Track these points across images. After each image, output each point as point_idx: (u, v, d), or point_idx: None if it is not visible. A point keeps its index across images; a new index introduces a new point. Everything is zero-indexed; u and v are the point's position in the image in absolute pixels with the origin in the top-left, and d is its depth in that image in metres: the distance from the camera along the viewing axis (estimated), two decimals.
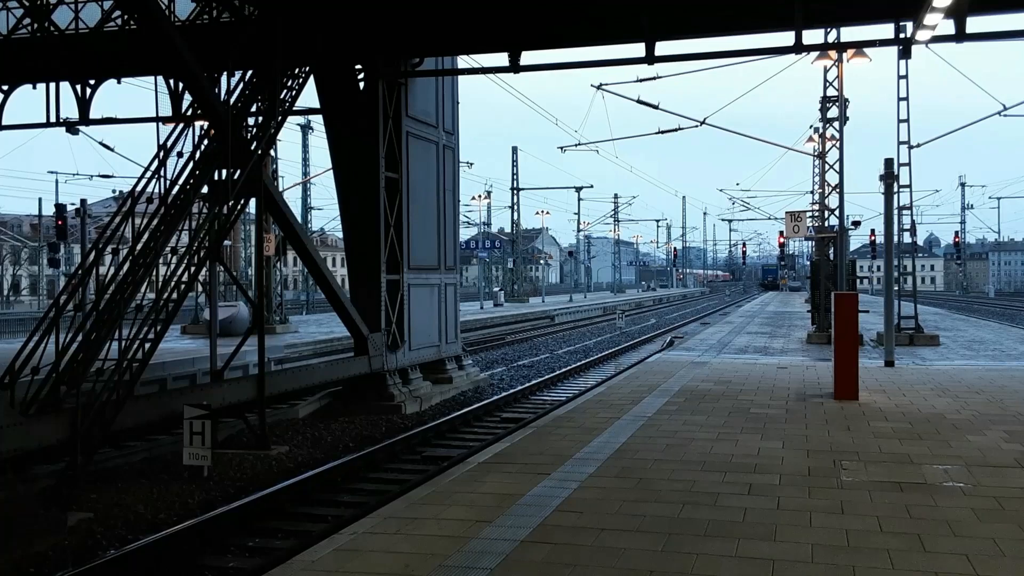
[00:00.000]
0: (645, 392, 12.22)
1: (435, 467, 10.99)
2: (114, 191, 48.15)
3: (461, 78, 19.82)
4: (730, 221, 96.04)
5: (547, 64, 15.97)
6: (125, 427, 10.86)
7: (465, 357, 20.23)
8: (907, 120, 20.45)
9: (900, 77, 20.46)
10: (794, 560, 5.16)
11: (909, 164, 20.43)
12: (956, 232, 70.29)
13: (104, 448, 10.87)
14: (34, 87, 17.21)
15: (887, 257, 16.66)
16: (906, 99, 20.50)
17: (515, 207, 62.59)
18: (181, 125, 12.14)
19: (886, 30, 14.41)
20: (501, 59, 15.35)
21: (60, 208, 32.19)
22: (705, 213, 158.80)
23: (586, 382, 20.15)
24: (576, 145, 32.68)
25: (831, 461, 7.75)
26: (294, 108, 14.44)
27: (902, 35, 14.19)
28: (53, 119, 17.31)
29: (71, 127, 17.39)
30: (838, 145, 22.50)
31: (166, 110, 16.14)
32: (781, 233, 51.79)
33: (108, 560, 7.60)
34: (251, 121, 13.15)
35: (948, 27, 13.18)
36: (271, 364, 17.03)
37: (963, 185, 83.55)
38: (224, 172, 12.08)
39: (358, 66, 16.19)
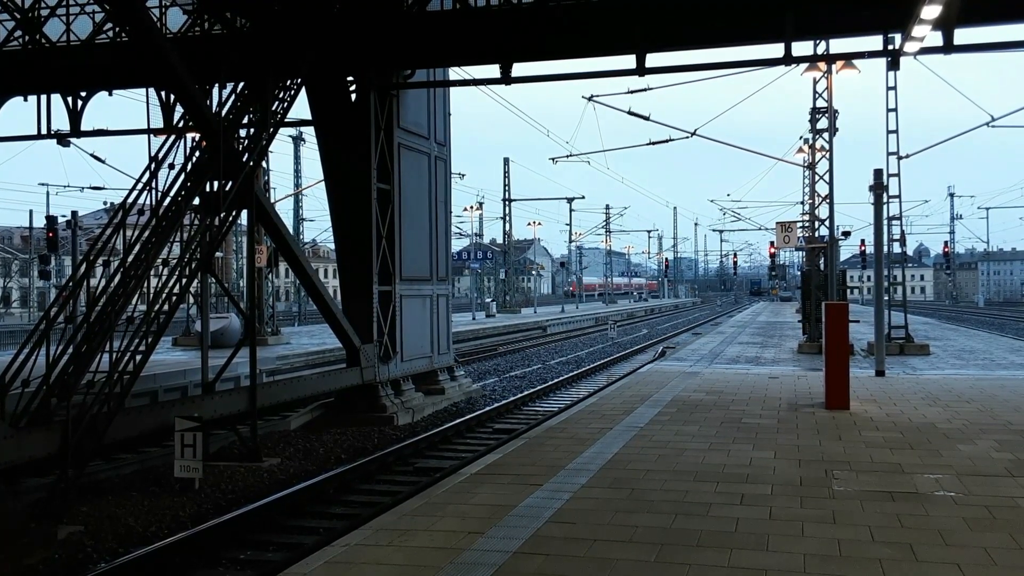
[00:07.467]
0: (637, 402, 12.23)
1: (427, 478, 10.98)
2: (105, 203, 48.10)
3: (453, 89, 19.87)
4: (721, 232, 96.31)
5: (538, 76, 16.06)
6: (116, 439, 10.81)
7: (457, 368, 20.21)
8: (896, 131, 20.55)
9: (888, 88, 20.56)
10: (786, 570, 5.17)
11: (898, 175, 20.52)
12: (945, 242, 70.83)
13: (95, 461, 10.82)
14: (25, 99, 17.23)
15: (877, 267, 16.74)
16: (895, 110, 20.60)
17: (507, 218, 62.67)
18: (173, 137, 12.14)
19: (875, 42, 14.52)
20: (493, 71, 15.43)
21: (51, 220, 32.21)
22: (696, 224, 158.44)
23: (578, 393, 20.15)
24: (567, 156, 32.28)
25: (823, 471, 7.77)
26: (286, 119, 14.46)
27: (890, 47, 14.29)
28: (44, 131, 17.34)
29: (62, 139, 17.41)
30: (828, 156, 22.64)
31: (158, 122, 16.18)
32: (772, 243, 52.04)
33: (98, 574, 7.56)
34: (243, 132, 13.16)
35: (936, 39, 13.32)
36: (263, 376, 16.97)
37: (952, 195, 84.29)
38: (216, 184, 12.09)
39: (350, 78, 16.22)
